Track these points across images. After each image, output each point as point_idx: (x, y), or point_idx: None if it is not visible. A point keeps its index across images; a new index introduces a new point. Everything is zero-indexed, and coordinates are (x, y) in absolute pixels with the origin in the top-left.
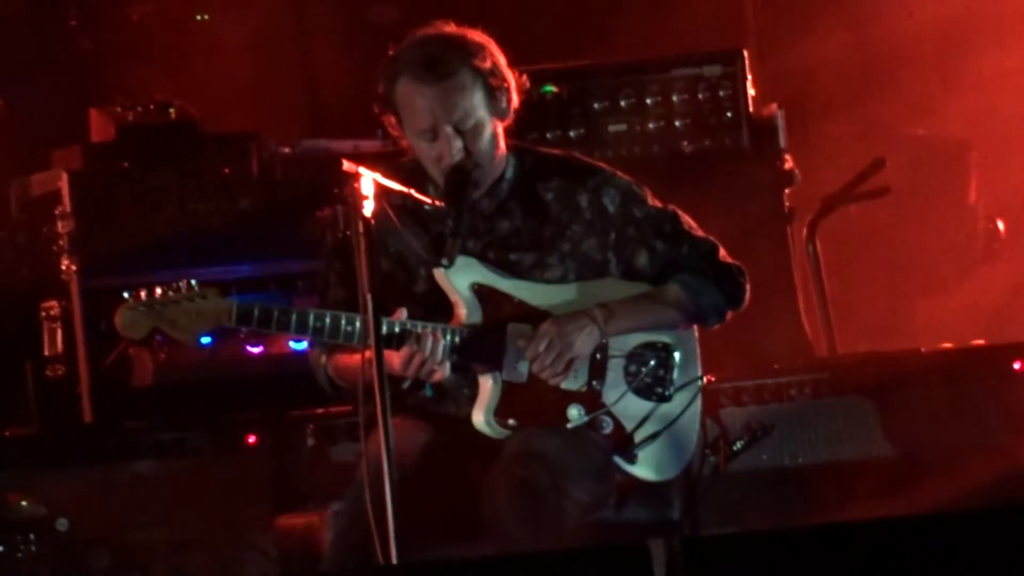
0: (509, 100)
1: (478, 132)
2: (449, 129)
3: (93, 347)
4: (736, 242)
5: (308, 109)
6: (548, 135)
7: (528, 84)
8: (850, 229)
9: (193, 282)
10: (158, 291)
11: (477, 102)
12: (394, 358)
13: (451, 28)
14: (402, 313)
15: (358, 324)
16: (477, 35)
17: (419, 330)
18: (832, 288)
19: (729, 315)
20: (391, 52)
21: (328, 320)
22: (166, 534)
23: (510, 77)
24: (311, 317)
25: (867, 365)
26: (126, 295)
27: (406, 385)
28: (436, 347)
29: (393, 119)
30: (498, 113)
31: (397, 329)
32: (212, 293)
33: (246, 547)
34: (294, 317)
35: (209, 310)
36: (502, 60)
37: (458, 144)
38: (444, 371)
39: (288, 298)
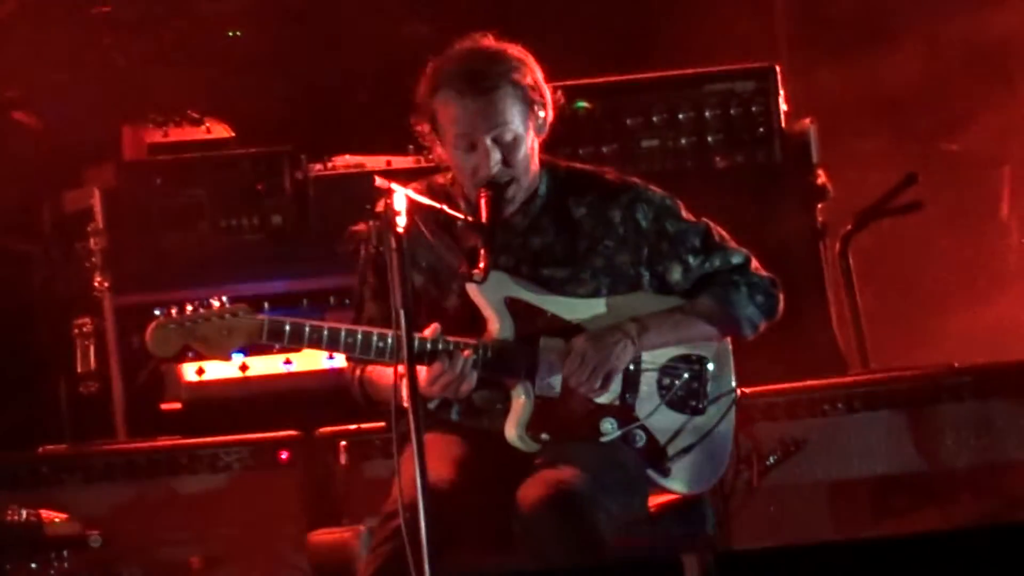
0: (546, 115)
1: (516, 146)
2: (488, 141)
3: (126, 363)
4: (769, 257)
5: (341, 125)
6: (581, 151)
7: (562, 100)
8: (883, 244)
9: (224, 299)
10: (188, 309)
11: (517, 116)
12: (422, 373)
13: (491, 42)
14: (435, 329)
15: (390, 340)
16: (517, 50)
17: (451, 348)
18: (865, 303)
19: (763, 326)
20: (432, 63)
21: (360, 336)
22: (199, 550)
23: (547, 93)
24: (342, 333)
25: (900, 380)
26: (157, 312)
27: (433, 405)
28: (465, 364)
29: (427, 128)
30: (536, 128)
31: (428, 347)
32: (243, 310)
33: (279, 563)
34: (325, 333)
35: (240, 327)
36: (540, 75)
37: (496, 156)
38: (471, 385)
39: (321, 314)
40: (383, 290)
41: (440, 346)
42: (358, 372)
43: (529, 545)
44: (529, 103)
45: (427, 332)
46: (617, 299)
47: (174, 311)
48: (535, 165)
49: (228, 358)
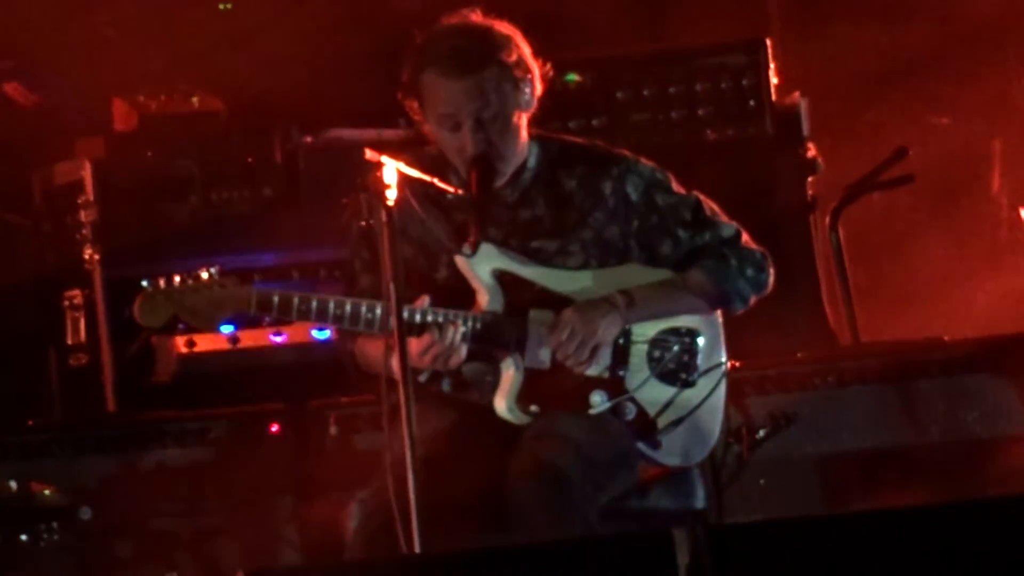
0: (533, 90)
1: (501, 124)
2: (472, 121)
3: (116, 336)
4: (759, 230)
5: (331, 97)
6: (571, 124)
7: (552, 73)
8: (873, 217)
9: (213, 270)
10: (177, 279)
11: (502, 95)
12: (412, 345)
13: (478, 18)
14: (424, 300)
15: (379, 311)
16: (503, 27)
17: (440, 319)
18: (855, 276)
19: (753, 300)
20: (417, 40)
21: (348, 308)
22: (189, 523)
23: (534, 67)
24: (331, 304)
25: (890, 354)
26: (145, 283)
27: (423, 378)
28: (454, 335)
29: (415, 105)
30: (522, 104)
31: (418, 319)
32: (232, 281)
33: (270, 535)
34: (314, 304)
35: (229, 298)
36: (527, 51)
37: (481, 136)
38: (460, 357)
39: (311, 286)
40: (374, 262)
41: (429, 318)
42: (349, 344)
43: (518, 519)
44: (515, 81)
45: (416, 304)
46: (606, 271)
47: (162, 282)
48: (523, 139)
49: (216, 330)
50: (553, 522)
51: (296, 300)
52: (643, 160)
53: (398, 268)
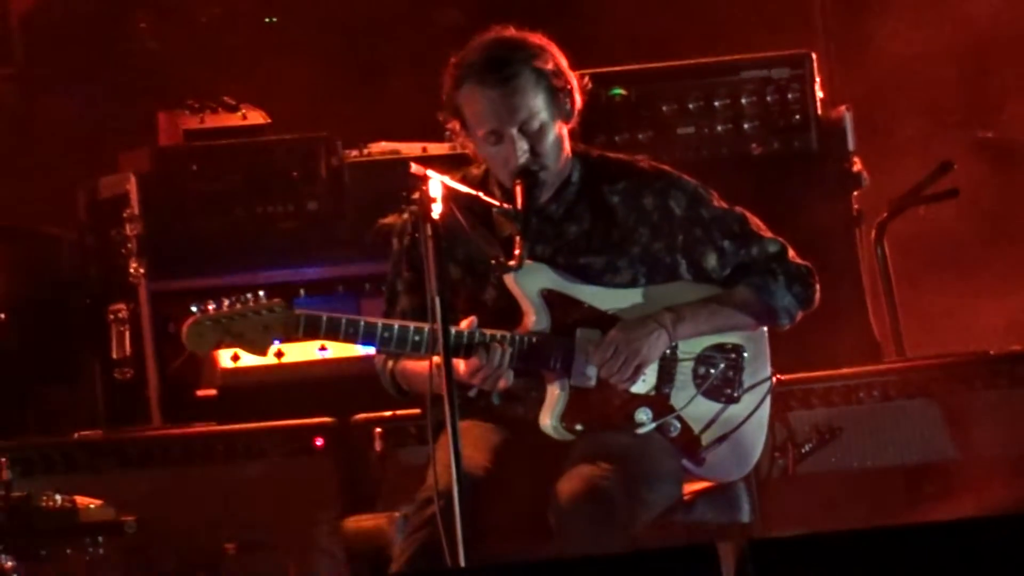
0: (572, 102)
1: (543, 133)
2: (514, 131)
3: (161, 349)
4: (804, 245)
5: (376, 111)
6: (616, 138)
7: (590, 86)
8: (918, 231)
9: (261, 293)
10: (225, 304)
11: (541, 103)
12: (460, 366)
13: (511, 32)
14: (472, 322)
15: (426, 333)
16: (537, 38)
17: (487, 341)
18: (900, 290)
19: (799, 316)
20: (454, 59)
21: (396, 330)
22: (234, 537)
23: (572, 79)
24: (379, 327)
25: (935, 368)
26: (194, 309)
27: (472, 393)
28: (503, 359)
29: (458, 125)
30: (562, 115)
31: (465, 340)
32: (279, 306)
33: (314, 550)
34: (362, 327)
35: (276, 322)
36: (563, 62)
37: (523, 146)
38: (508, 379)
39: (355, 300)
40: (417, 283)
41: (477, 339)
42: (390, 363)
43: (565, 538)
44: (552, 90)
45: (463, 325)
46: (655, 288)
47: (211, 307)
48: (566, 152)
49: (265, 354)
50: (598, 538)
51: (344, 323)
52: (685, 176)
53: (444, 284)
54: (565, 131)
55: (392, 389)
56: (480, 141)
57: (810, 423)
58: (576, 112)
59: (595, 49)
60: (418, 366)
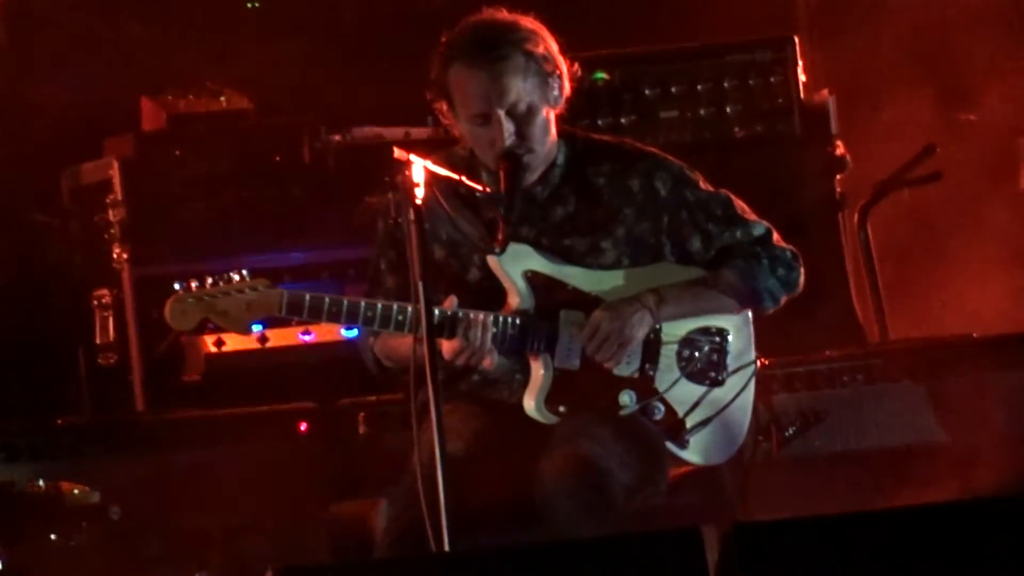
0: (561, 88)
1: (530, 117)
2: (501, 113)
3: (145, 335)
4: (788, 228)
5: (359, 95)
6: (599, 122)
7: (579, 72)
8: (901, 215)
9: (244, 272)
10: (208, 282)
11: (530, 86)
12: (443, 346)
13: (503, 14)
14: (452, 301)
15: (410, 313)
16: (529, 21)
17: (470, 319)
18: (884, 274)
19: (784, 299)
20: (443, 39)
21: (379, 309)
22: (219, 522)
23: (562, 64)
24: (362, 306)
25: (919, 351)
26: (177, 286)
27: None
28: (485, 337)
29: (445, 106)
30: (550, 100)
31: (448, 320)
32: (263, 284)
33: (299, 534)
34: (345, 306)
35: (259, 301)
36: (554, 47)
37: (510, 128)
38: (492, 359)
39: (340, 285)
40: (401, 263)
41: (459, 319)
42: (371, 340)
43: (549, 519)
44: (542, 74)
45: (445, 304)
46: (639, 270)
47: (193, 284)
48: (553, 136)
49: (248, 332)
50: (582, 519)
51: (327, 302)
52: (671, 158)
53: (427, 267)
54: (553, 116)
55: (374, 366)
56: (467, 122)
57: (794, 406)
58: (564, 99)
59: (576, 33)
60: (400, 341)
